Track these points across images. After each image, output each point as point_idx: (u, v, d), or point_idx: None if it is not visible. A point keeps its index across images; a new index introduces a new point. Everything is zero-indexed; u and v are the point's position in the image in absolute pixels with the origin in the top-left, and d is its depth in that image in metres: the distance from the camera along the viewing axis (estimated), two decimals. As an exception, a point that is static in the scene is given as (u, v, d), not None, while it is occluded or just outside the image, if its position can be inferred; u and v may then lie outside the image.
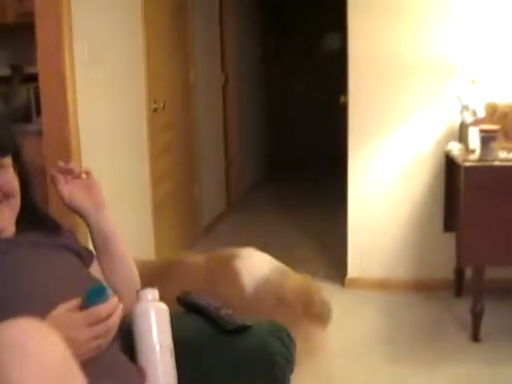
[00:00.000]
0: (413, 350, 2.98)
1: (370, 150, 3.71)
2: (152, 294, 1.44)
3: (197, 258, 2.15)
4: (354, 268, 3.85)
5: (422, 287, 3.72)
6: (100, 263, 1.62)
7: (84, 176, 1.58)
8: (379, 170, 3.72)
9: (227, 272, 1.99)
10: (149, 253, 4.03)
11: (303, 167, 7.71)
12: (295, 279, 2.03)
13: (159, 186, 4.18)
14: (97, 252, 1.62)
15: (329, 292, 2.11)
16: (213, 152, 5.64)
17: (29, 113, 3.32)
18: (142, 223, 3.96)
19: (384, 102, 3.65)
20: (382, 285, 3.79)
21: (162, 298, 1.44)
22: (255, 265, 2.04)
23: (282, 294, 1.93)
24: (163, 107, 4.17)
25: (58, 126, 3.03)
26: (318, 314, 1.97)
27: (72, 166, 1.57)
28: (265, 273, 1.99)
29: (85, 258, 1.59)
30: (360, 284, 3.82)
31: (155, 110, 4.04)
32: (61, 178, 1.56)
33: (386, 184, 3.73)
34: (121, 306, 1.21)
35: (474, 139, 3.09)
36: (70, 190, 1.56)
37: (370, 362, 2.90)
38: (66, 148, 3.04)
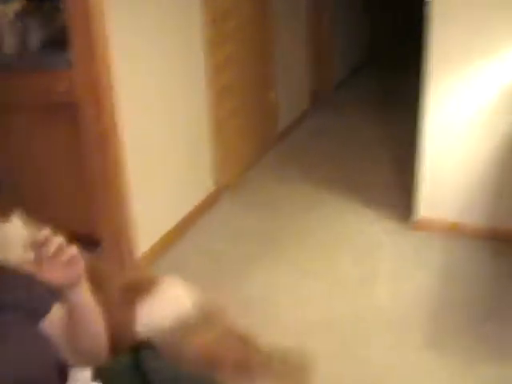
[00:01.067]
0: (463, 331, 2.64)
1: (453, 77, 3.17)
2: (83, 375, 1.34)
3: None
4: (424, 208, 3.47)
5: (497, 237, 3.30)
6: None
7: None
8: (462, 102, 3.20)
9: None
10: (205, 173, 3.83)
11: (401, 60, 7.04)
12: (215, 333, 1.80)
13: (220, 101, 3.89)
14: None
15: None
16: (294, 50, 5.16)
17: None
18: (198, 143, 3.74)
19: (477, 21, 3.05)
20: (453, 229, 3.41)
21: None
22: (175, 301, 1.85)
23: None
24: (225, 17, 3.76)
25: (87, 57, 2.77)
26: None
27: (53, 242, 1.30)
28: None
29: (40, 309, 1.42)
30: (429, 226, 3.45)
31: (214, 20, 3.65)
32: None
33: (469, 118, 3.21)
34: None
35: None
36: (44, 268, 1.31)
37: (408, 341, 2.61)
38: (95, 83, 2.79)
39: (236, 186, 4.14)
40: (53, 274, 1.30)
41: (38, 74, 3.08)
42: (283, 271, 3.17)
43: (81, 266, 1.35)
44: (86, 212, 3.18)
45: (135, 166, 3.08)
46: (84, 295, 1.39)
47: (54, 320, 1.44)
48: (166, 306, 1.82)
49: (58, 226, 2.06)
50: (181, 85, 3.46)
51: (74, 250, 1.33)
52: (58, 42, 3.13)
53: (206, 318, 1.82)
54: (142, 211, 3.17)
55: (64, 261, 1.30)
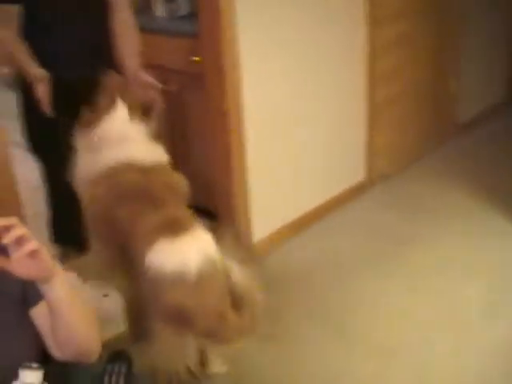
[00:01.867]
0: None
1: None
2: (32, 377, 1.26)
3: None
4: None
5: None
6: None
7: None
8: None
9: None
10: (358, 163, 3.61)
11: None
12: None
13: (383, 85, 3.57)
14: None
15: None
16: (490, 30, 4.48)
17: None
18: (350, 128, 3.51)
19: None
20: None
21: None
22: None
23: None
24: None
25: (211, 24, 2.66)
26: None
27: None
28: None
29: (30, 298, 1.43)
30: None
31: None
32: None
33: None
34: None
35: None
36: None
37: None
38: (219, 56, 2.68)
39: (388, 178, 3.80)
40: (19, 268, 1.28)
41: (179, 40, 3.06)
42: (396, 282, 2.86)
43: (47, 260, 1.30)
44: (208, 187, 3.13)
45: (268, 148, 3.02)
46: (58, 291, 1.35)
47: (40, 312, 1.44)
48: (177, 253, 1.89)
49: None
50: (333, 62, 3.24)
51: (37, 243, 1.28)
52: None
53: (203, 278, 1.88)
54: (266, 195, 3.07)
55: (27, 252, 1.26)
